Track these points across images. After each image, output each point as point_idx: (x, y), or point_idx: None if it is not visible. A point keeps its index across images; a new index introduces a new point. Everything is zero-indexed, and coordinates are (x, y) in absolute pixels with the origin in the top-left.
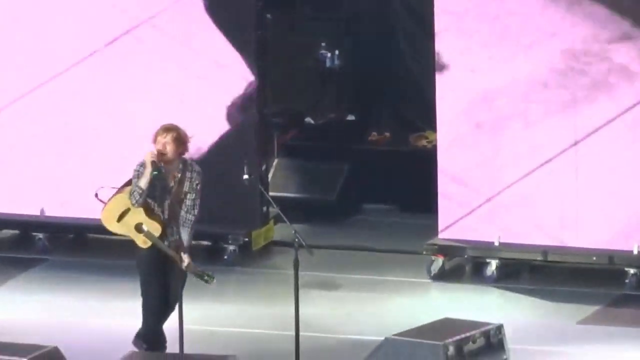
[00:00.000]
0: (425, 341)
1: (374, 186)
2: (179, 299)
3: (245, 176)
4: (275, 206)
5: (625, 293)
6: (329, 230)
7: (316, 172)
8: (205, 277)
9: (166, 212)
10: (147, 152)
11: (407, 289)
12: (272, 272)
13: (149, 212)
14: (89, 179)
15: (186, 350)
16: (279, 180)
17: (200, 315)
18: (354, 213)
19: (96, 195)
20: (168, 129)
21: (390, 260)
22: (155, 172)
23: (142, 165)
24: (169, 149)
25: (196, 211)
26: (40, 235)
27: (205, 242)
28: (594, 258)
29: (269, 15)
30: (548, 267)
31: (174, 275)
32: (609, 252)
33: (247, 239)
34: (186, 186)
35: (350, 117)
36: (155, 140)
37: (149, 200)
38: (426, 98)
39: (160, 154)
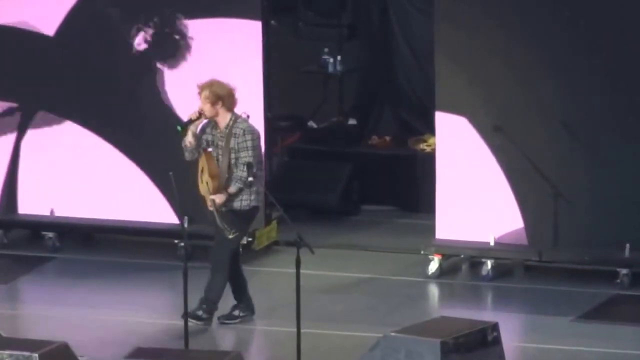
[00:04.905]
0: (422, 338)
1: (374, 188)
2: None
3: (250, 178)
4: (279, 207)
5: (618, 292)
6: (330, 230)
7: (318, 174)
8: (226, 232)
9: (220, 166)
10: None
11: (405, 288)
12: (275, 270)
13: (212, 166)
14: (98, 180)
15: (191, 345)
16: (283, 182)
17: None
18: (354, 214)
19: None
20: (202, 87)
21: (389, 260)
22: (179, 128)
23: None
24: (205, 108)
25: (246, 169)
26: (50, 235)
27: (211, 242)
28: (586, 259)
29: (273, 22)
30: (542, 267)
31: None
32: (601, 253)
33: (251, 239)
34: (232, 142)
35: (352, 121)
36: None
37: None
38: (425, 103)
39: (200, 112)
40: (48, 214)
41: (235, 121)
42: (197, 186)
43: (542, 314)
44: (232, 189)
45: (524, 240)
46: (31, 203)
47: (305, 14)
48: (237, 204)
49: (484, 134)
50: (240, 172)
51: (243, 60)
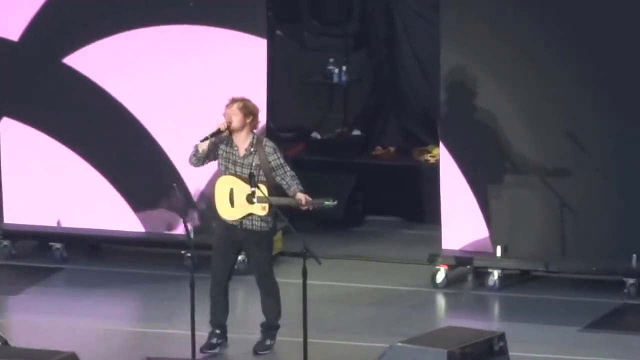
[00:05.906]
0: (429, 348)
1: (378, 199)
2: (264, 276)
3: (253, 189)
4: (283, 218)
5: (625, 302)
6: (335, 241)
7: (323, 185)
8: (326, 203)
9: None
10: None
11: (411, 298)
12: (281, 281)
13: (244, 180)
14: (104, 191)
15: (198, 356)
16: (287, 192)
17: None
18: (358, 224)
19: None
20: (234, 99)
21: (395, 270)
22: (208, 136)
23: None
24: (235, 119)
25: (293, 179)
26: (58, 245)
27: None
28: (594, 268)
29: (278, 32)
30: (549, 277)
31: (252, 252)
32: (608, 262)
33: None
34: (262, 161)
35: (356, 132)
36: (224, 113)
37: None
38: (430, 114)
39: (229, 124)
40: (55, 224)
41: (259, 141)
42: (218, 211)
43: (549, 323)
44: (295, 186)
45: (531, 250)
46: (38, 214)
47: (310, 23)
48: (262, 225)
49: (489, 144)
50: (296, 184)
51: (247, 71)
